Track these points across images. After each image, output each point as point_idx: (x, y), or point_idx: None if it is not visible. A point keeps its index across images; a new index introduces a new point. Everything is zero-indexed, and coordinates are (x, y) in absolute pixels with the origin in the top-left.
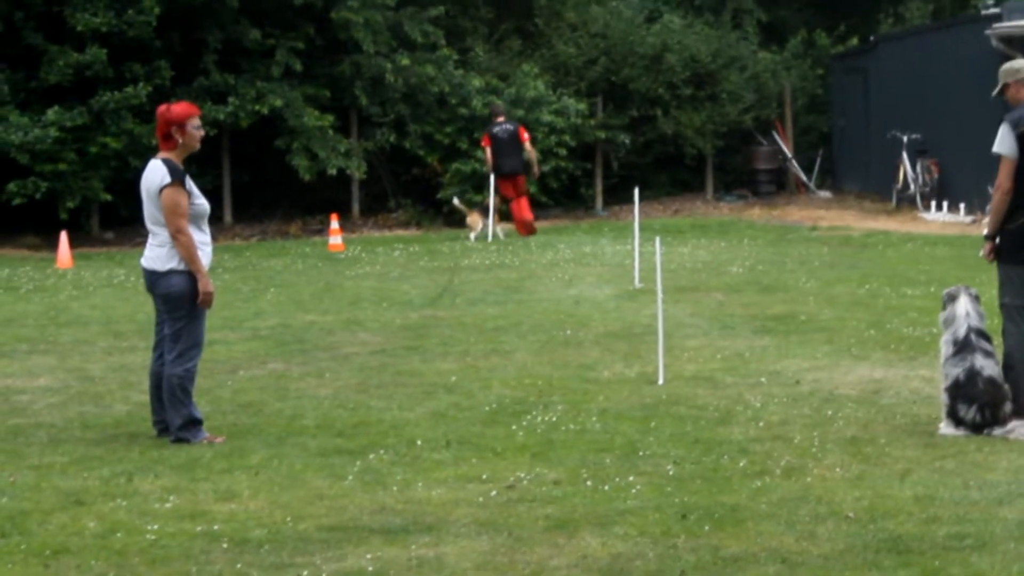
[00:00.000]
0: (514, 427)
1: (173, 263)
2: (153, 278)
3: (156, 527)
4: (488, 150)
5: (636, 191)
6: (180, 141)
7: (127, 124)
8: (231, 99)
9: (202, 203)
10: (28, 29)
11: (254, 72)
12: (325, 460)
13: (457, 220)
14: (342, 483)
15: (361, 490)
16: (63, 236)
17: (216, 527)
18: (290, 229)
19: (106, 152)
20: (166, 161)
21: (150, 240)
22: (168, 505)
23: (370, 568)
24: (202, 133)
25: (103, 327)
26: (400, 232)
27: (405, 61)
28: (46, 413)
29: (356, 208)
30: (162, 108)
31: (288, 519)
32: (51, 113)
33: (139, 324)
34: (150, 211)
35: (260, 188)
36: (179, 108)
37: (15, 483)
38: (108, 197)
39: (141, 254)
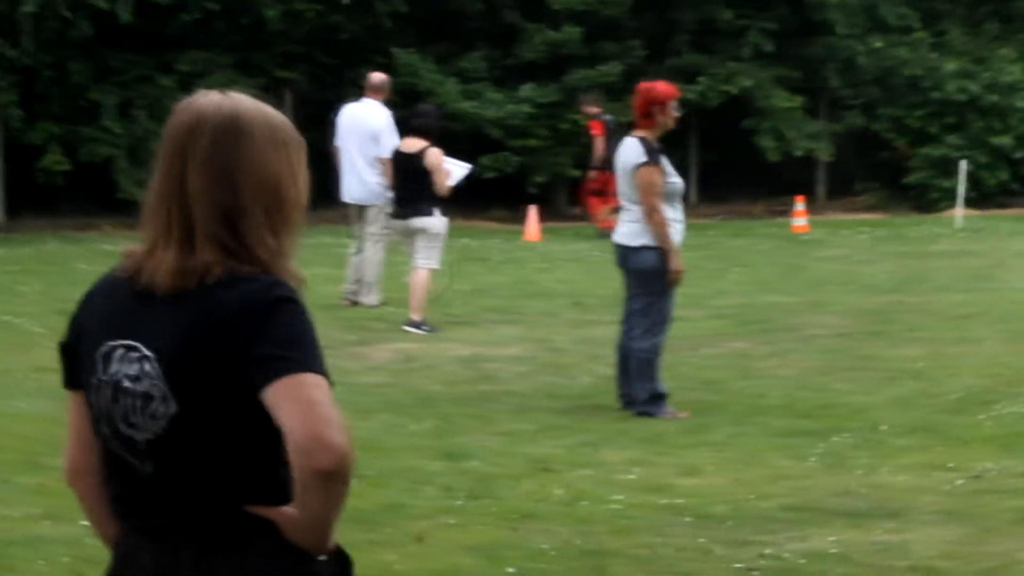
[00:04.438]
0: (981, 416)
1: (645, 239)
2: (625, 253)
3: (620, 497)
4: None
5: None
6: (660, 120)
7: None
8: (701, 79)
9: (676, 182)
10: (507, 7)
11: (724, 52)
12: (788, 440)
13: (924, 205)
14: (804, 464)
15: (823, 472)
16: (532, 210)
17: (679, 501)
18: (754, 210)
19: (576, 129)
20: (642, 140)
21: (623, 215)
22: (632, 476)
23: (833, 550)
24: (677, 114)
25: (569, 300)
26: (865, 216)
27: (878, 44)
28: (514, 381)
29: (821, 190)
30: (645, 86)
31: (751, 497)
32: (525, 89)
33: (603, 298)
34: (624, 188)
35: (726, 168)
36: (663, 87)
37: (485, 448)
38: (576, 173)
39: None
